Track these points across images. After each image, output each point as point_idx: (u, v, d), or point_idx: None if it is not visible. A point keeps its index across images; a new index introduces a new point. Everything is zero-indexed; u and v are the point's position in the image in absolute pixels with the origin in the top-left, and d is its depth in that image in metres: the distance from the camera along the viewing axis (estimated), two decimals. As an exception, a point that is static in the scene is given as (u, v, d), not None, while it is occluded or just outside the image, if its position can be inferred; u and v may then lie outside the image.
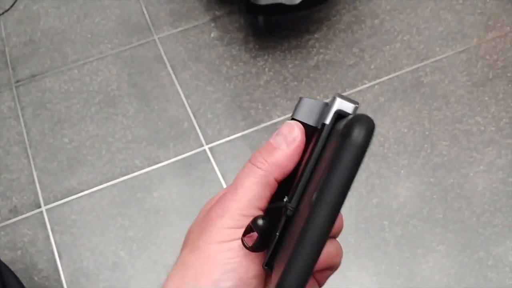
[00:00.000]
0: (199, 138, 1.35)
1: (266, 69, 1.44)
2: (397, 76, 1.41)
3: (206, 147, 1.33)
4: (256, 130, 1.35)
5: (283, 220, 0.28)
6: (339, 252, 0.30)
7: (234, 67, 1.45)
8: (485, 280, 1.14)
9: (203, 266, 0.28)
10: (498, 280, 1.14)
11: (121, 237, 1.24)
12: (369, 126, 0.21)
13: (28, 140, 1.38)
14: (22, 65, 1.51)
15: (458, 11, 1.50)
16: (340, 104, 0.27)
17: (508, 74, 1.39)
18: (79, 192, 1.30)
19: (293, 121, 0.31)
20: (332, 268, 0.31)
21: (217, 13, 1.55)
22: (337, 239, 0.32)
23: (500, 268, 1.15)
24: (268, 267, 0.28)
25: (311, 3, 1.36)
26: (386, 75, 1.41)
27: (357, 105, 0.27)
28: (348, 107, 0.27)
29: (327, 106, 0.28)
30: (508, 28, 1.46)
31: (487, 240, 1.18)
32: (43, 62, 1.51)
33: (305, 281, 0.19)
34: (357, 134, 0.20)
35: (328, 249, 0.29)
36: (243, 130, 1.35)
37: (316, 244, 0.19)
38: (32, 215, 1.28)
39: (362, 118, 0.21)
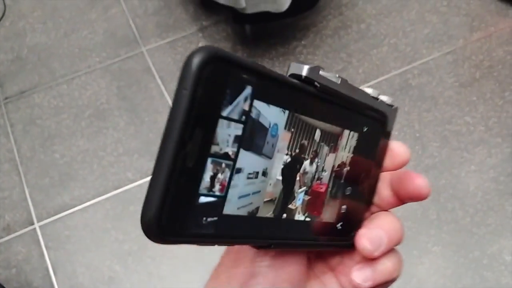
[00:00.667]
0: (190, 148, 1.35)
1: (255, 77, 1.44)
2: (386, 79, 1.41)
3: (198, 157, 1.33)
4: (248, 139, 1.35)
5: None
6: (397, 266, 0.30)
7: (223, 77, 1.45)
8: (481, 279, 1.14)
9: (235, 268, 0.28)
10: (494, 279, 1.14)
11: (116, 251, 1.23)
12: (206, 52, 0.19)
13: (18, 157, 1.37)
14: (10, 82, 1.50)
15: (443, 13, 1.52)
16: (294, 68, 0.26)
17: (495, 74, 1.40)
18: (72, 208, 1.29)
19: None
20: (391, 281, 0.30)
21: (204, 23, 1.55)
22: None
23: (495, 266, 1.15)
24: None
25: (297, 10, 1.36)
26: (375, 79, 1.41)
27: (311, 66, 0.25)
28: (302, 69, 0.26)
29: None
30: (493, 28, 1.48)
31: (481, 239, 1.18)
32: (31, 78, 1.50)
33: (158, 201, 0.18)
34: (190, 61, 0.19)
35: (385, 265, 0.29)
36: (235, 139, 1.35)
37: (160, 179, 0.18)
38: (26, 232, 1.27)
39: (200, 48, 0.19)
